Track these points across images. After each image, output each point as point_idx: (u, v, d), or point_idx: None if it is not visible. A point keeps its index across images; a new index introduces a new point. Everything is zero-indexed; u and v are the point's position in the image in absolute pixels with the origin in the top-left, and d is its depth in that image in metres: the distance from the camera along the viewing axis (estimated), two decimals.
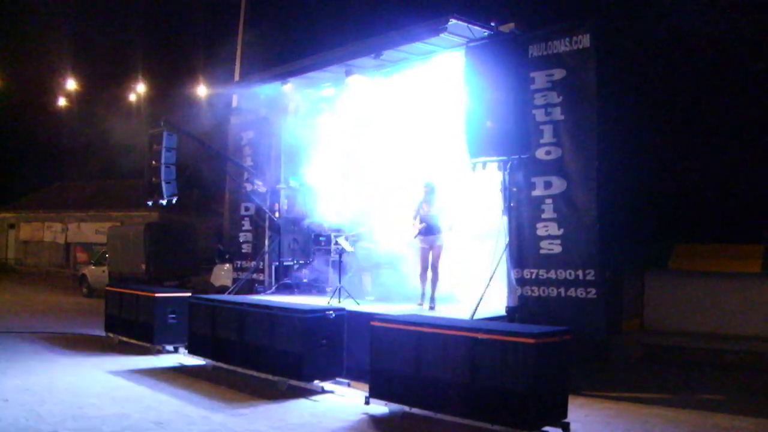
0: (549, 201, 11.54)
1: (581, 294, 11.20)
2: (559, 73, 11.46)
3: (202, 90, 29.41)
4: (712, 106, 15.79)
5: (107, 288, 17.41)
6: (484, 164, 11.25)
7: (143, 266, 26.38)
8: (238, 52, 21.86)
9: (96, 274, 29.11)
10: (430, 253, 13.06)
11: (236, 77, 21.32)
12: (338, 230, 15.77)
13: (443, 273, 13.19)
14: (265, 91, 16.81)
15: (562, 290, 11.42)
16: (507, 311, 11.99)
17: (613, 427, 9.14)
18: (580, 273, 11.21)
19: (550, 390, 8.46)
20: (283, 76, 15.40)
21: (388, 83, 14.69)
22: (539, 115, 11.62)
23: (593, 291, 11.10)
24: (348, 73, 14.56)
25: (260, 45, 23.87)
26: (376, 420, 9.45)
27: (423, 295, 13.26)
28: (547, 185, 11.58)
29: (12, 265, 48.83)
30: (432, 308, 12.93)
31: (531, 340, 8.23)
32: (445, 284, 13.29)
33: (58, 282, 38.03)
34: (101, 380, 11.70)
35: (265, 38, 25.39)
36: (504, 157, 11.18)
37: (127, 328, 15.48)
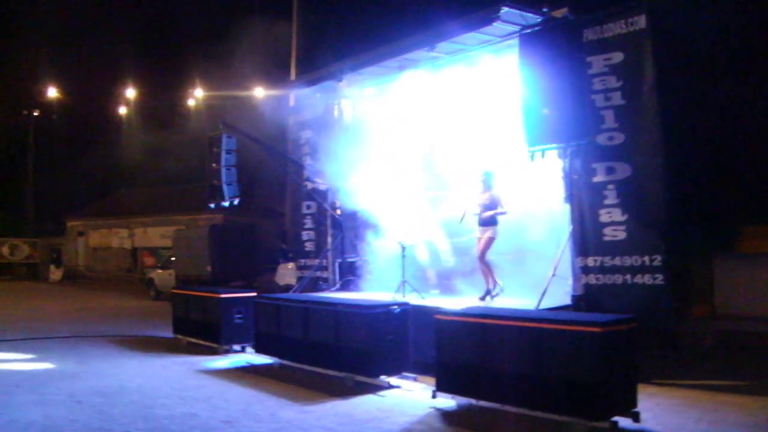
0: (611, 187, 11.37)
1: (648, 280, 11.01)
2: (616, 57, 11.29)
3: (259, 91, 29.60)
4: None
5: (173, 291, 17.66)
6: (543, 152, 11.09)
7: (209, 268, 26.70)
8: (293, 52, 22.01)
9: (163, 277, 29.55)
10: (479, 243, 13.02)
11: (292, 76, 21.44)
12: (400, 224, 15.71)
13: (500, 262, 13.09)
14: (321, 89, 16.84)
15: (628, 277, 11.24)
16: (572, 300, 11.82)
17: (685, 416, 8.96)
18: (646, 259, 11.02)
19: (618, 379, 8.31)
20: (339, 73, 15.40)
21: (443, 76, 14.58)
22: (599, 100, 11.46)
23: (660, 277, 10.90)
24: (402, 68, 14.53)
25: (315, 43, 23.98)
26: (443, 414, 9.40)
27: (487, 287, 13.15)
28: (610, 171, 11.40)
29: (83, 272, 49.86)
30: (488, 295, 12.86)
31: (598, 329, 8.09)
32: (506, 275, 13.15)
33: (126, 286, 38.74)
34: (170, 381, 11.83)
35: (320, 36, 25.52)
36: (563, 144, 11.01)
37: (195, 330, 15.65)
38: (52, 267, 47.68)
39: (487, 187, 12.99)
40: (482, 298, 12.91)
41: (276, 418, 9.24)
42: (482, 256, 12.93)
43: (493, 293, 12.92)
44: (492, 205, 12.84)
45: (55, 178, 56.06)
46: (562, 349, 8.32)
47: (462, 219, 13.17)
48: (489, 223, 12.87)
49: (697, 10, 14.19)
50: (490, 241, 12.88)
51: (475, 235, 13.19)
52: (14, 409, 9.77)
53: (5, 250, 50.52)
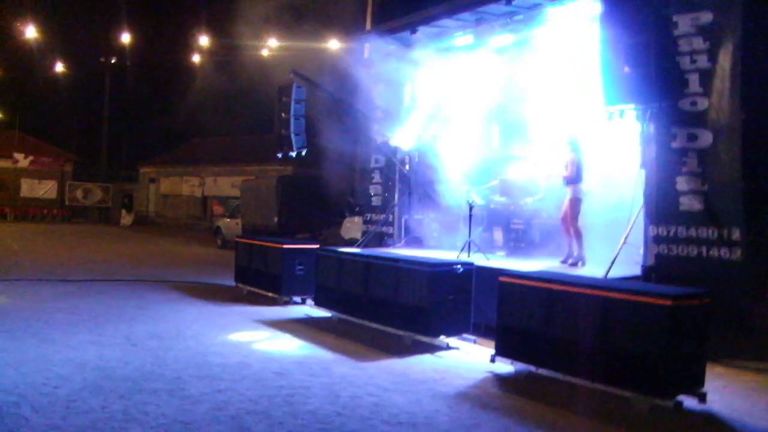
0: (692, 154, 10.82)
1: (724, 254, 10.50)
2: (704, 17, 10.66)
3: (334, 43, 29.32)
4: None
5: (237, 239, 17.66)
6: (621, 113, 10.61)
7: (275, 219, 26.78)
8: (369, 2, 21.58)
9: (230, 226, 29.79)
10: (565, 204, 12.59)
11: (367, 27, 21.07)
12: (469, 184, 15.39)
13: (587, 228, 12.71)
14: (396, 40, 16.50)
15: (703, 249, 10.74)
16: (643, 271, 11.38)
17: (754, 401, 8.51)
18: (724, 232, 10.50)
19: (686, 356, 7.91)
20: (413, 25, 15.08)
21: (522, 31, 14.13)
22: (684, 62, 10.87)
23: (738, 252, 10.38)
24: (479, 23, 14.11)
25: None
26: (500, 379, 9.13)
27: (567, 250, 12.77)
28: (691, 138, 10.85)
29: (153, 218, 50.79)
30: (573, 265, 12.45)
31: (668, 302, 7.69)
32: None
33: (195, 234, 39.26)
34: (227, 329, 11.77)
35: None
36: (643, 105, 10.50)
37: (256, 279, 15.63)
38: (123, 212, 48.72)
39: (570, 149, 12.53)
40: (564, 262, 12.59)
41: (329, 373, 9.07)
42: (572, 219, 12.54)
43: (570, 262, 12.54)
44: (575, 167, 12.40)
45: (129, 126, 56.95)
46: (629, 321, 7.95)
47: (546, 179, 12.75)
48: (569, 182, 12.46)
49: None
50: (576, 202, 12.47)
51: (547, 197, 12.78)
52: (71, 348, 9.80)
53: (79, 193, 51.66)
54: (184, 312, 13.19)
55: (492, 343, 9.78)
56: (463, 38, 15.38)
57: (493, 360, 9.50)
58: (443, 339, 10.80)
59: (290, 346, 10.74)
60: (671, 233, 11.07)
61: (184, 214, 48.51)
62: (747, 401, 8.47)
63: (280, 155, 16.88)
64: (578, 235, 12.54)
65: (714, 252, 10.61)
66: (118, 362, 9.15)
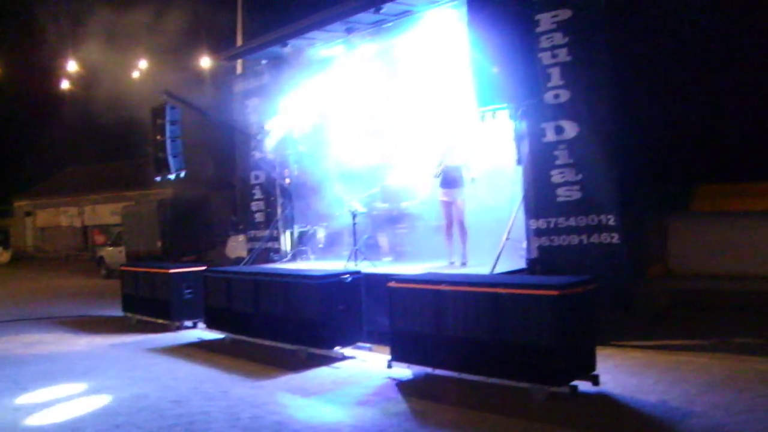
0: (563, 146, 11.18)
1: (604, 240, 10.88)
2: (564, 13, 11.07)
3: (205, 61, 29.02)
4: (734, 39, 15.23)
5: (122, 268, 17.33)
6: (494, 113, 10.82)
7: (159, 243, 26.29)
8: (239, 18, 21.50)
9: (113, 254, 29.13)
10: (453, 207, 12.72)
11: (238, 43, 20.95)
12: (350, 192, 15.42)
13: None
14: (267, 55, 16.47)
15: (584, 237, 11.09)
16: (527, 263, 11.66)
17: (644, 377, 8.82)
18: (601, 218, 10.87)
19: (577, 343, 8.15)
20: (284, 38, 15.05)
21: (392, 38, 14.24)
22: (545, 57, 11.24)
23: (616, 236, 10.78)
24: (349, 31, 14.16)
25: (262, 10, 23.46)
26: (399, 384, 9.19)
27: (451, 253, 12.91)
28: (559, 130, 11.20)
29: (32, 253, 49.03)
30: (464, 264, 12.59)
31: (555, 292, 7.90)
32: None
33: (77, 266, 38.19)
34: (120, 361, 11.52)
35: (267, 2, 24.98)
36: (513, 104, 10.75)
37: (145, 307, 15.35)
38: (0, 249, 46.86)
39: (453, 149, 12.68)
40: (453, 262, 12.70)
41: (227, 396, 8.97)
42: (461, 220, 12.68)
43: (461, 262, 12.68)
44: (461, 166, 12.55)
45: None
46: (519, 314, 8.13)
47: (438, 175, 12.82)
48: (460, 185, 12.59)
49: None
50: (464, 203, 12.64)
51: (442, 199, 12.86)
52: None
53: None
54: (74, 346, 12.87)
55: (387, 349, 9.82)
56: (335, 48, 15.40)
57: (389, 366, 9.56)
58: (338, 350, 10.81)
59: (186, 372, 10.55)
60: (551, 225, 11.39)
61: (65, 246, 47.07)
62: (637, 378, 8.77)
63: (158, 178, 16.54)
64: (466, 234, 12.71)
65: (594, 238, 10.98)
66: (5, 410, 8.82)
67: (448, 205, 12.75)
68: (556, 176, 11.27)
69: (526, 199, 11.65)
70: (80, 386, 9.77)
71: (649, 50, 14.05)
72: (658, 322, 12.37)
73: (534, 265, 11.56)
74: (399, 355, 9.50)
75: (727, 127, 15.14)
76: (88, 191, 45.97)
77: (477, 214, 12.99)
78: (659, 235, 15.00)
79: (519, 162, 11.72)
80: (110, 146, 46.38)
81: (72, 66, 35.83)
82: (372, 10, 13.02)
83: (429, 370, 9.12)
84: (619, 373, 8.95)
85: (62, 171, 53.98)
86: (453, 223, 12.77)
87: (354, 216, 13.76)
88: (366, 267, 12.67)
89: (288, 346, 11.19)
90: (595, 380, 8.22)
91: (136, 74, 33.16)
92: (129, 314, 15.90)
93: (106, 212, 43.22)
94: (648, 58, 14.11)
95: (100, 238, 41.79)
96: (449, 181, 12.61)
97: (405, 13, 13.47)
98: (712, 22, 14.53)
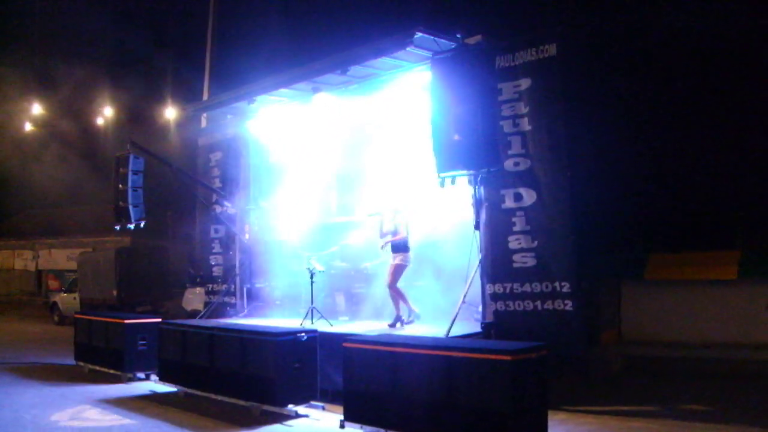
0: (520, 213, 11.39)
1: (558, 306, 11.03)
2: (525, 83, 11.37)
3: (170, 112, 29.10)
4: (683, 111, 15.69)
5: (76, 315, 17.18)
6: (453, 179, 10.99)
7: (115, 292, 26.03)
8: (206, 73, 21.62)
9: (67, 301, 28.73)
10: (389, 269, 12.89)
11: (205, 97, 21.07)
12: (309, 250, 15.49)
13: (413, 290, 13.01)
14: (233, 110, 16.60)
15: (538, 303, 11.24)
16: (482, 327, 11.76)
17: None
18: (555, 285, 11.04)
19: (529, 407, 8.23)
20: (250, 95, 15.17)
21: (355, 100, 14.44)
22: (507, 125, 11.50)
23: (570, 303, 10.93)
24: (315, 90, 14.34)
25: (229, 65, 23.66)
26: None
27: (397, 313, 13.00)
28: (518, 197, 11.42)
29: None
30: (402, 325, 12.71)
31: (507, 357, 8.00)
32: (419, 302, 13.03)
33: (29, 310, 37.50)
34: (69, 412, 11.37)
35: (234, 58, 25.20)
36: (473, 171, 10.94)
37: (98, 356, 15.19)
38: None
39: (391, 215, 12.89)
40: (392, 325, 12.74)
41: None
42: (391, 284, 12.78)
43: (407, 320, 12.78)
44: (397, 232, 12.74)
45: None
46: (472, 378, 8.21)
47: (383, 247, 13.03)
48: (398, 249, 12.75)
49: (609, 38, 14.43)
50: (399, 268, 12.73)
51: (386, 261, 13.07)
52: None
53: None
54: (22, 395, 12.67)
55: (341, 409, 9.84)
56: (301, 106, 15.56)
57: (342, 426, 9.58)
58: (291, 407, 10.80)
59: (137, 425, 10.45)
60: (507, 290, 11.53)
61: (17, 290, 46.34)
62: None
63: (118, 227, 16.48)
64: (401, 295, 12.83)
65: (548, 305, 11.12)
66: None
67: (388, 268, 12.96)
68: (513, 242, 11.46)
69: (484, 263, 11.80)
70: None
71: (604, 121, 14.43)
72: (611, 387, 12.53)
73: (489, 329, 11.65)
74: (352, 415, 9.52)
75: (680, 198, 15.51)
76: (43, 235, 45.43)
77: (436, 277, 13.16)
78: (613, 301, 15.24)
79: (477, 227, 11.88)
80: (70, 191, 46.02)
81: (36, 109, 35.72)
82: (338, 71, 13.21)
83: (381, 431, 9.14)
84: None
85: (19, 214, 53.34)
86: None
87: (312, 274, 13.80)
88: (322, 326, 12.71)
89: (242, 402, 11.16)
90: None
91: (100, 121, 33.19)
92: (81, 363, 15.72)
93: (61, 257, 42.65)
94: (603, 129, 14.48)
95: (54, 283, 41.20)
96: (393, 244, 12.86)
97: (370, 76, 13.69)
98: (664, 95, 14.99)
